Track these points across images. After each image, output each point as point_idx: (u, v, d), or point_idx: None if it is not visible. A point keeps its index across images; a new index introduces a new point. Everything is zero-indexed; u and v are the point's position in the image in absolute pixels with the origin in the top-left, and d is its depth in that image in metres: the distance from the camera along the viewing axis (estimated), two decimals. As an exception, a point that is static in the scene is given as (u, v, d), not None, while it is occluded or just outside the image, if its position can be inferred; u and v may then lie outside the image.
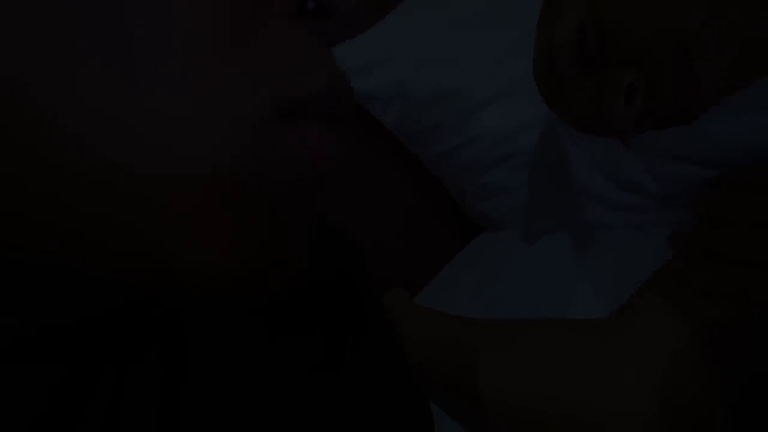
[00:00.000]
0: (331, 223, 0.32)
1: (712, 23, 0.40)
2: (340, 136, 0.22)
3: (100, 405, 0.23)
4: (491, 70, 0.80)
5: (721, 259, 0.39)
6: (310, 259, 0.23)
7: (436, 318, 0.54)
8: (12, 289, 0.21)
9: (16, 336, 0.22)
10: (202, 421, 0.25)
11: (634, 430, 0.41)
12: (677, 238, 0.41)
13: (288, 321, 0.29)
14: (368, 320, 0.33)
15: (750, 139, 0.40)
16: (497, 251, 0.71)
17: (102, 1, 0.18)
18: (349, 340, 0.31)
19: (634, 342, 0.42)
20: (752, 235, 0.38)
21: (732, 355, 0.39)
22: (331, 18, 0.22)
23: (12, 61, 0.18)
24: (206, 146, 0.19)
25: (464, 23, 0.83)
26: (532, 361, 0.45)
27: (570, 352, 0.44)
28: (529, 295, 0.59)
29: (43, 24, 0.18)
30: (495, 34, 0.81)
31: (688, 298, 0.40)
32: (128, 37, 0.18)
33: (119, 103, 0.18)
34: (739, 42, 0.40)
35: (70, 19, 0.18)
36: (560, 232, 0.56)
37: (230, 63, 0.19)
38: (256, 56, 0.19)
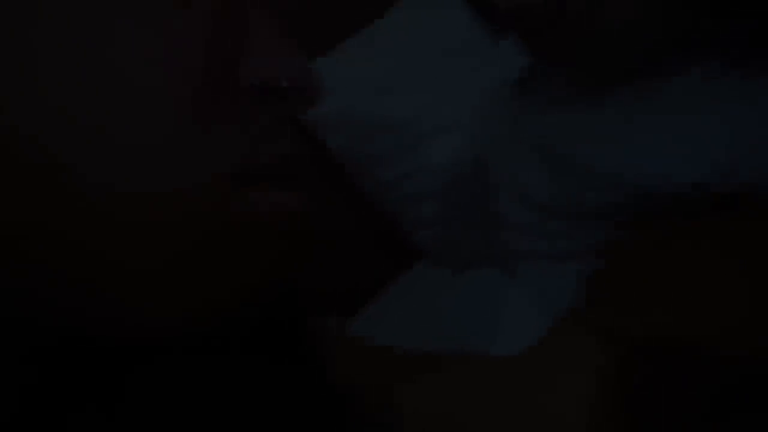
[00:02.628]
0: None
1: None
2: (310, 197, 0.25)
3: None
4: (438, 104, 0.81)
5: (620, 301, 0.40)
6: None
7: (366, 348, 0.55)
8: None
9: None
10: None
11: None
12: (585, 278, 0.43)
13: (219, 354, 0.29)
14: (296, 349, 0.34)
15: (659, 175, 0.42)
16: (430, 282, 0.72)
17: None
18: (275, 369, 0.32)
19: (538, 377, 0.43)
20: (636, 284, 0.40)
21: (638, 399, 0.40)
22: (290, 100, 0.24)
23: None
24: (180, 200, 0.21)
25: (415, 53, 0.84)
26: (452, 392, 0.46)
27: (484, 385, 0.45)
28: (459, 325, 0.60)
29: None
30: (444, 68, 0.82)
31: (590, 339, 0.41)
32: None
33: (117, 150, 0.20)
34: None
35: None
36: (488, 263, 0.58)
37: (193, 134, 0.21)
38: (219, 129, 0.21)
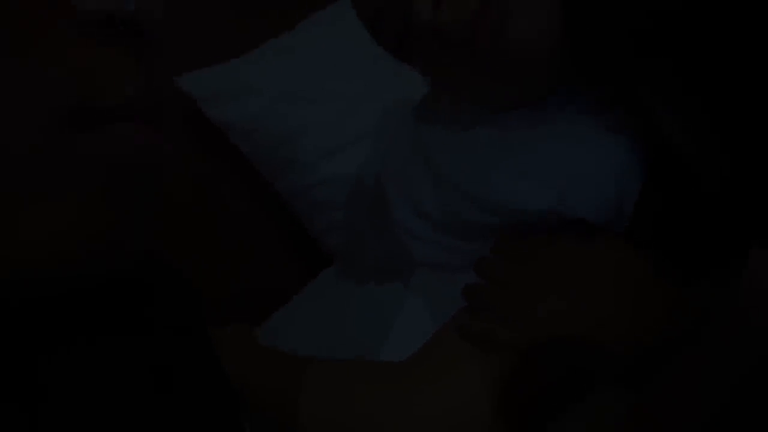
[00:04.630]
0: (166, 263, 0.34)
1: None
2: (166, 134, 0.24)
3: None
4: (348, 115, 0.83)
5: (492, 310, 0.44)
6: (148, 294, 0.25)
7: (269, 353, 0.57)
8: None
9: None
10: None
11: None
12: (466, 288, 0.46)
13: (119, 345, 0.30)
14: (195, 351, 0.35)
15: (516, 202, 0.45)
16: (337, 286, 0.74)
17: None
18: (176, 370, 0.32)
19: (422, 382, 0.46)
20: (504, 293, 0.44)
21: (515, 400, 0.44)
22: (142, 35, 0.23)
23: None
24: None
25: (328, 66, 0.86)
26: (346, 395, 0.49)
27: (374, 389, 0.48)
28: (360, 329, 0.62)
29: None
30: (355, 80, 0.85)
31: (467, 348, 0.45)
32: None
33: None
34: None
35: None
36: (391, 271, 0.61)
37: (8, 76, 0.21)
38: (39, 69, 0.21)
